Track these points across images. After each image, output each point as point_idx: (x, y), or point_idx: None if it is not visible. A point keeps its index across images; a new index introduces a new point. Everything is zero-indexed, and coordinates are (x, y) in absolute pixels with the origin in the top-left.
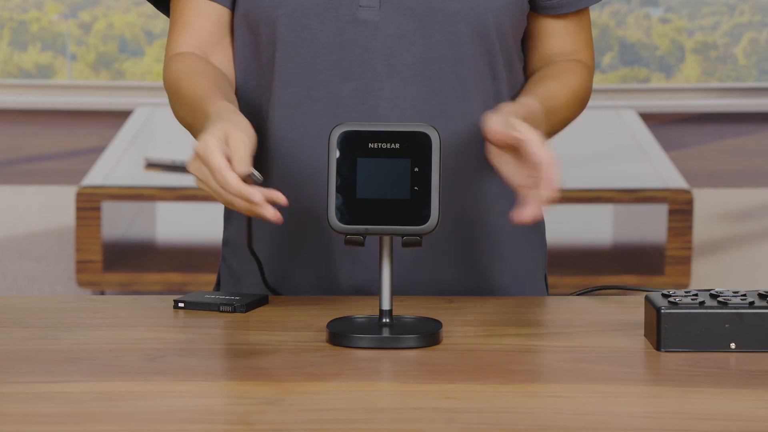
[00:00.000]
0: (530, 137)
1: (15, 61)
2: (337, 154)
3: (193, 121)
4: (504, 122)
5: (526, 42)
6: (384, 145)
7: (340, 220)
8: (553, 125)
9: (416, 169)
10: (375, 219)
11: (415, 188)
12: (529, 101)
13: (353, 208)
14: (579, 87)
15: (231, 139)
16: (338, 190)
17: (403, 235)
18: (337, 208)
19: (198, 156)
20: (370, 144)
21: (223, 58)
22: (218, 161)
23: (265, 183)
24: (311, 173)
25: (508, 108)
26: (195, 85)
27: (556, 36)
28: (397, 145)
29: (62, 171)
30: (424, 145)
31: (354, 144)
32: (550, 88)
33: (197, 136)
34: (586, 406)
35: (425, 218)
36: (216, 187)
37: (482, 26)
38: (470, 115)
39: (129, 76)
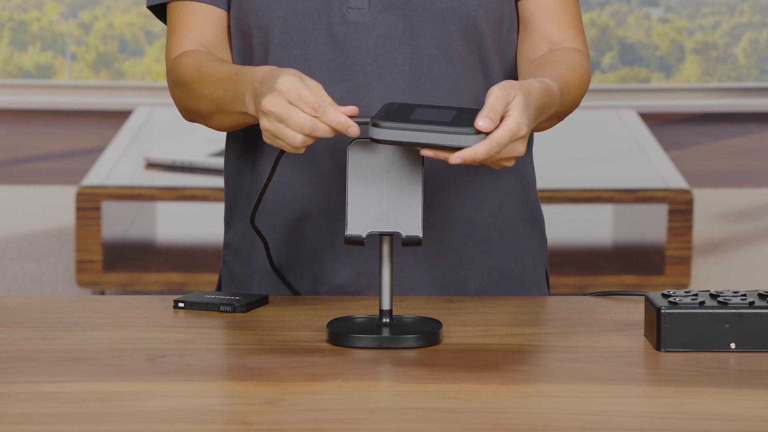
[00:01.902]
0: (511, 127)
1: (15, 61)
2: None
3: (226, 94)
4: (506, 96)
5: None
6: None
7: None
8: (563, 106)
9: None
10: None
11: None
12: (549, 83)
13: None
14: (584, 71)
15: (307, 81)
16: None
17: (448, 146)
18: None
19: (279, 92)
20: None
21: (228, 60)
22: (311, 94)
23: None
24: (307, 176)
25: (529, 83)
26: (220, 65)
27: (539, 20)
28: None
29: (62, 171)
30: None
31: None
32: (561, 73)
33: (231, 107)
34: (586, 406)
35: (470, 129)
36: (302, 120)
37: (471, 24)
38: None
39: (129, 76)
